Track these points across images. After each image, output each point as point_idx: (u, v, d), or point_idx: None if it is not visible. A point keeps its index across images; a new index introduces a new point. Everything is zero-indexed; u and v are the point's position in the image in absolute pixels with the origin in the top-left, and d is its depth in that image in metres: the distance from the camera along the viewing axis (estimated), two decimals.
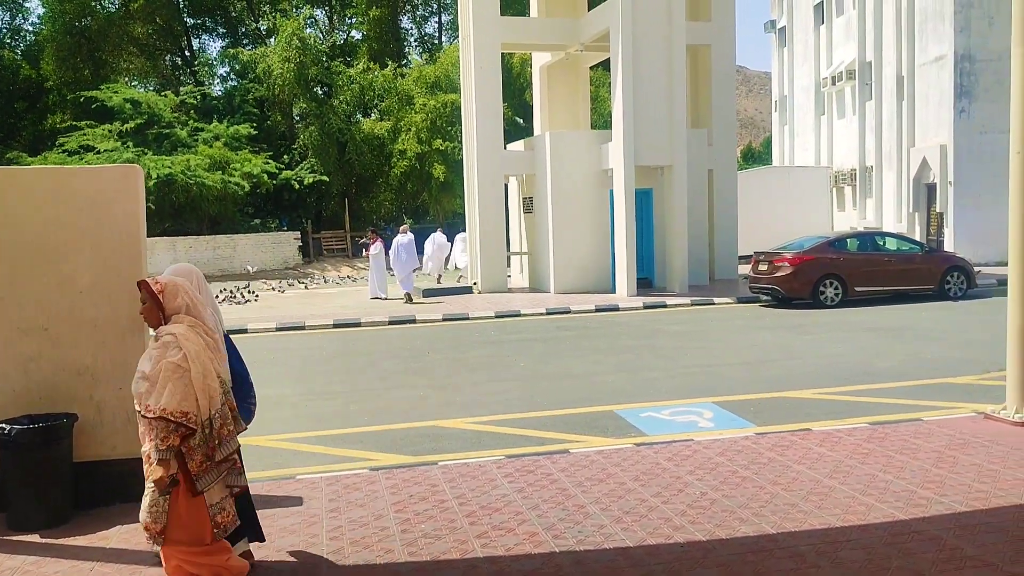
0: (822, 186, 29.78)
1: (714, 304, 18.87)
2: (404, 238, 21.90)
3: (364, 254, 22.61)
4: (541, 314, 18.24)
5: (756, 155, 72.79)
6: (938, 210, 24.53)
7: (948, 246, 23.61)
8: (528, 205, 23.51)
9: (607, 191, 21.43)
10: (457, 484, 6.52)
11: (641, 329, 15.51)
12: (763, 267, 18.27)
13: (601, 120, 34.52)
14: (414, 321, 17.95)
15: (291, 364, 13.14)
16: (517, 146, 24.13)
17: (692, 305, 18.76)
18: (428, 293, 22.51)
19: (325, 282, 29.63)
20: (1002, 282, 20.85)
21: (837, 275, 17.58)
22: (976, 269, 18.69)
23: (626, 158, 19.98)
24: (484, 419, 8.97)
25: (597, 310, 18.55)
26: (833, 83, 31.23)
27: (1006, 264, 21.99)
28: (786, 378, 10.46)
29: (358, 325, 17.74)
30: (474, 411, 9.38)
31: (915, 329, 14.12)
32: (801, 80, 35.01)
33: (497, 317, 18.05)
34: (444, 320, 17.95)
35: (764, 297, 18.79)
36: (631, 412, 9.01)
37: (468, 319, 17.97)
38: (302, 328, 17.47)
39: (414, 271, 21.94)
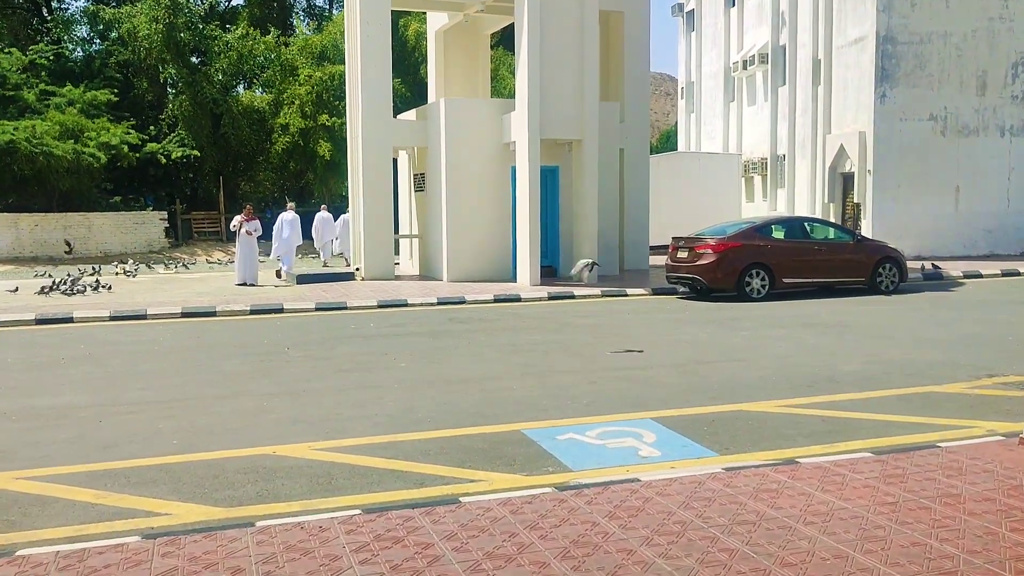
0: (734, 174, 28.30)
1: (627, 295, 16.78)
2: (289, 215, 21.22)
3: (236, 229, 19.55)
4: (431, 304, 15.74)
5: (655, 150, 72.10)
6: (855, 200, 23.29)
7: None
8: (419, 182, 20.93)
9: (509, 168, 19.09)
10: (274, 570, 3.99)
11: (547, 322, 13.22)
12: (682, 255, 16.28)
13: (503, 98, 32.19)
14: (281, 311, 15.14)
15: (108, 363, 10.21)
16: (408, 116, 21.50)
17: (603, 296, 16.62)
18: (303, 279, 19.64)
19: (187, 267, 26.13)
20: (969, 275, 19.72)
21: (764, 264, 15.76)
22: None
23: (531, 130, 17.67)
24: (342, 444, 6.43)
25: (496, 300, 16.18)
26: (744, 67, 29.84)
27: (925, 258, 20.70)
28: (735, 385, 8.32)
29: (212, 315, 14.81)
30: (331, 431, 6.82)
31: (859, 326, 12.31)
32: (710, 65, 33.57)
33: (380, 307, 15.43)
34: (317, 310, 15.20)
35: (682, 288, 16.84)
36: (545, 433, 6.64)
37: (345, 309, 15.28)
38: (143, 317, 14.42)
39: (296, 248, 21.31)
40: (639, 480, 5.22)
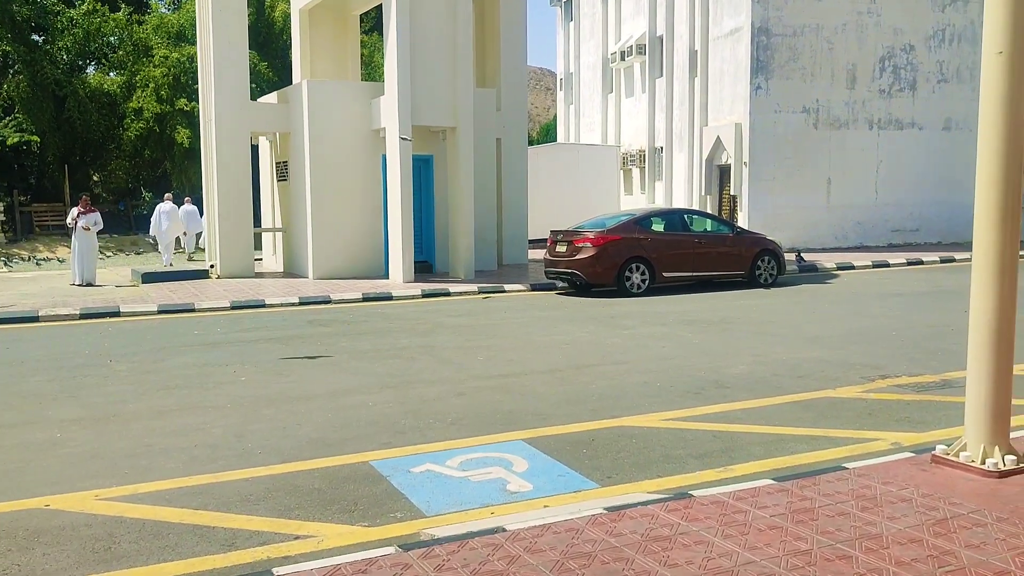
0: (612, 166, 27.87)
1: (505, 292, 15.88)
2: (167, 205, 20.72)
3: (72, 224, 17.53)
4: (292, 305, 14.37)
5: (536, 144, 71.85)
6: (732, 192, 23.20)
7: None
8: (282, 172, 19.39)
9: (380, 156, 17.86)
10: None
11: (418, 323, 12.13)
12: (561, 248, 15.50)
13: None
14: (117, 314, 13.44)
15: None
16: (270, 99, 19.90)
17: (480, 293, 15.66)
18: (149, 278, 17.79)
19: (8, 265, 23.60)
20: (842, 267, 19.72)
21: (644, 258, 15.16)
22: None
23: (401, 115, 16.49)
24: (141, 489, 5.18)
25: (365, 299, 14.97)
26: (622, 59, 29.46)
27: (799, 250, 20.59)
28: (617, 393, 7.49)
29: (34, 320, 12.97)
30: (132, 470, 5.54)
31: (742, 322, 11.80)
32: (588, 56, 33.14)
33: (233, 309, 13.95)
34: (160, 313, 13.59)
35: (561, 284, 16.08)
36: (398, 464, 5.58)
37: (192, 311, 13.72)
38: None
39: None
40: (505, 530, 4.23)
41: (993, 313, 4.92)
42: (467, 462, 5.59)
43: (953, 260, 20.45)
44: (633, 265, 15.08)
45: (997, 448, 4.96)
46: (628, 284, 15.02)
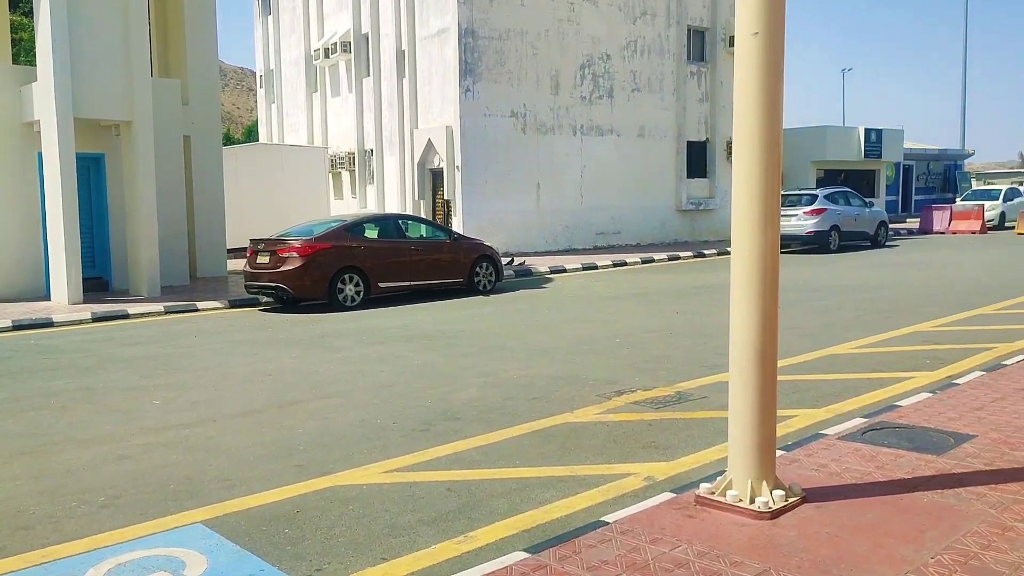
0: (320, 169, 26.24)
1: (198, 311, 13.85)
2: None
3: None
4: None
5: (237, 143, 67.62)
6: (446, 197, 22.64)
7: None
8: None
9: (35, 154, 14.94)
10: None
11: (81, 357, 9.92)
12: (263, 259, 13.80)
13: None
14: None
15: None
16: None
17: (167, 313, 13.50)
18: None
19: None
20: (555, 270, 19.54)
21: (358, 268, 13.94)
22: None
23: (59, 105, 13.83)
24: None
25: (16, 327, 12.25)
26: (326, 56, 27.93)
27: (513, 254, 20.38)
28: (329, 439, 6.20)
29: None
30: None
31: (467, 335, 10.98)
32: (289, 52, 31.18)
33: None
34: None
35: (265, 299, 14.39)
36: None
37: None
38: None
39: None
40: None
41: (757, 333, 4.32)
42: (118, 568, 4.02)
43: (652, 261, 21.44)
44: (346, 276, 13.81)
45: (765, 483, 4.38)
46: (341, 297, 13.71)
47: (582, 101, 23.89)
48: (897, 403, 6.49)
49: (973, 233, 28.82)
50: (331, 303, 13.67)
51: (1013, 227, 30.09)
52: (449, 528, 4.47)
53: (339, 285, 13.71)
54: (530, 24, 22.65)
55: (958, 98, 46.19)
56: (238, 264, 18.25)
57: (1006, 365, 7.71)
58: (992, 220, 30.98)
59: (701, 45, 26.83)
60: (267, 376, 8.58)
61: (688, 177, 26.57)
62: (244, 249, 17.13)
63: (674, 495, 4.65)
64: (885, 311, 11.86)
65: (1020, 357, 8.02)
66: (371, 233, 14.62)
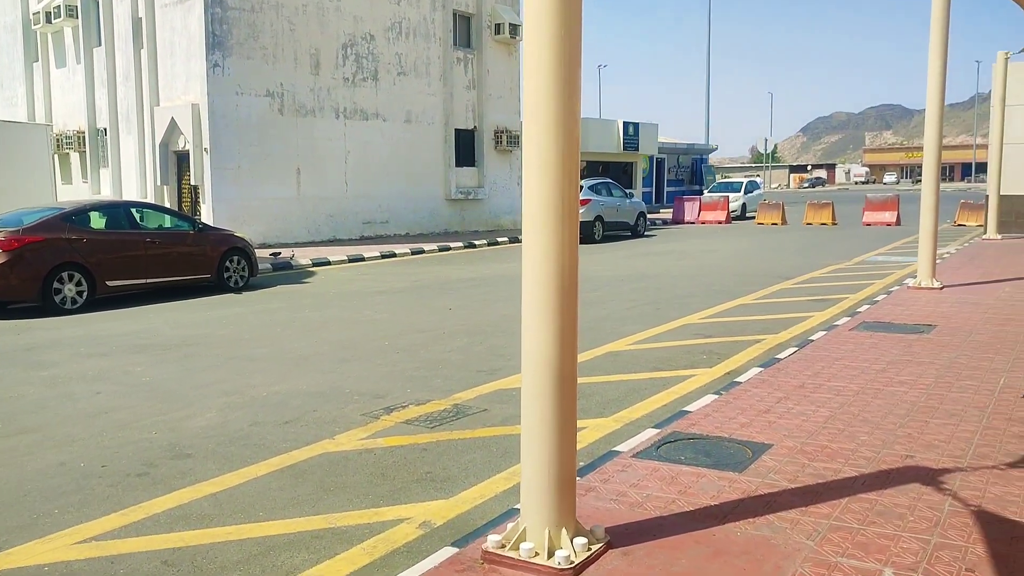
0: (43, 149, 22.76)
1: None
2: None
3: None
4: None
5: None
6: (192, 183, 20.44)
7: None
8: None
9: None
10: None
11: None
12: None
13: None
14: None
15: None
16: None
17: None
18: None
19: None
20: (318, 263, 17.84)
21: (80, 264, 11.90)
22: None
23: None
24: None
25: None
26: (48, 21, 24.39)
27: (271, 245, 18.90)
28: (12, 497, 4.74)
29: None
30: None
31: (210, 343, 9.53)
32: (3, 16, 27.04)
33: None
34: None
35: None
36: None
37: None
38: None
39: None
40: None
41: (553, 349, 3.54)
42: None
43: (423, 251, 20.66)
44: (65, 274, 11.74)
45: (564, 531, 3.63)
46: (59, 299, 11.65)
47: (345, 83, 22.55)
48: (685, 408, 6.08)
49: (719, 223, 30.76)
50: (46, 307, 11.56)
51: (753, 217, 32.48)
52: None
53: (56, 285, 11.62)
54: None
55: (703, 98, 49.64)
56: None
57: (780, 359, 7.63)
58: (735, 211, 33.28)
59: (468, 31, 26.35)
60: None
61: (457, 166, 26.03)
62: None
63: (456, 550, 3.79)
64: (655, 301, 11.82)
65: (791, 350, 8.00)
66: (97, 223, 12.57)
